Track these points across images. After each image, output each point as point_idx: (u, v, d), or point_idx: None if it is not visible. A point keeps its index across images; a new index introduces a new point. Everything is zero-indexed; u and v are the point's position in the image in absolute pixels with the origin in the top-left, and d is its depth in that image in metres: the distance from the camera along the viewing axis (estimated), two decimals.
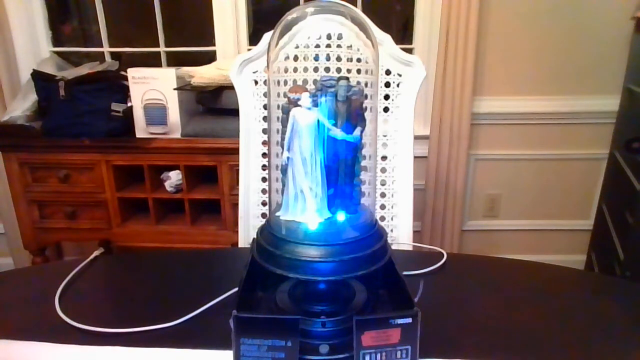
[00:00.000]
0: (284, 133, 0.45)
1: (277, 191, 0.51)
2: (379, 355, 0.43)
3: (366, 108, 0.48)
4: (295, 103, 0.44)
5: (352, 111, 0.44)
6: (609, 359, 0.53)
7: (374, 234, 0.47)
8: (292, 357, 0.43)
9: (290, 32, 0.50)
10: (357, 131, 0.45)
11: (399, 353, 0.43)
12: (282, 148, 0.46)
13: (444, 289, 0.68)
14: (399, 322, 0.43)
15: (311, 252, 0.44)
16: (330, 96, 0.43)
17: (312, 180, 0.44)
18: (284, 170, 0.46)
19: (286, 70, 0.80)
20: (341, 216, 0.47)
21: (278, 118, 0.49)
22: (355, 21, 0.51)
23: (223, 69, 1.55)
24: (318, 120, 0.43)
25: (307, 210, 0.46)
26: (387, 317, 0.43)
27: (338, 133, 0.43)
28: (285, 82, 0.52)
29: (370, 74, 0.54)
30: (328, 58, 0.89)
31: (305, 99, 0.43)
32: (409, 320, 0.43)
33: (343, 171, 0.46)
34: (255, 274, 0.51)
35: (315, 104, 0.43)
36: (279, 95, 0.51)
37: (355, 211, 0.48)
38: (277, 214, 0.48)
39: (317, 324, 0.48)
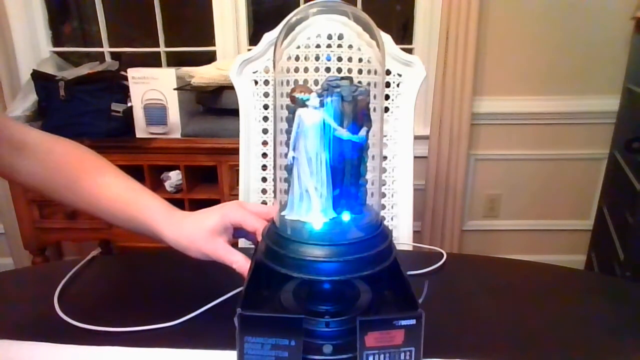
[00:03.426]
0: (289, 132, 0.45)
1: (281, 191, 0.51)
2: (382, 357, 0.43)
3: (371, 108, 0.48)
4: (300, 103, 0.44)
5: (358, 111, 0.44)
6: (608, 358, 0.53)
7: (379, 234, 0.47)
8: (295, 356, 0.43)
9: (294, 32, 0.50)
10: (362, 131, 0.45)
11: (402, 354, 0.43)
12: (288, 147, 0.46)
13: (444, 289, 0.68)
14: (402, 324, 0.42)
15: (316, 252, 0.44)
16: (336, 96, 0.43)
17: (317, 180, 0.44)
18: (290, 170, 0.46)
19: (288, 71, 0.80)
20: (346, 216, 0.47)
21: (282, 118, 0.49)
22: (359, 21, 0.51)
23: (223, 69, 1.55)
24: (324, 120, 0.43)
25: (312, 210, 0.46)
26: (390, 318, 0.43)
27: (344, 133, 0.43)
28: (288, 82, 0.52)
29: (373, 74, 0.54)
30: (329, 58, 0.89)
31: (313, 99, 0.43)
32: (413, 321, 0.43)
33: (349, 171, 0.45)
34: (260, 273, 0.51)
35: (321, 104, 0.43)
36: (282, 95, 0.51)
37: (361, 211, 0.48)
38: (282, 213, 0.48)
39: (321, 324, 0.47)
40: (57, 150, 0.63)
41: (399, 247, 0.56)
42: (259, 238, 0.53)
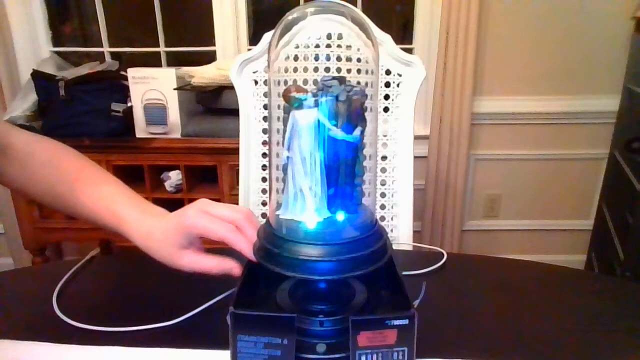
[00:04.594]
0: (285, 132, 0.45)
1: (277, 191, 0.51)
2: (375, 356, 0.43)
3: (366, 108, 0.48)
4: (294, 103, 0.44)
5: (352, 111, 0.44)
6: (608, 358, 0.53)
7: (374, 233, 0.47)
8: (288, 355, 0.43)
9: (291, 32, 0.50)
10: (357, 131, 0.45)
11: (395, 354, 0.43)
12: (283, 147, 0.46)
13: (444, 289, 0.67)
14: (395, 324, 0.42)
15: (310, 251, 0.44)
16: (331, 96, 0.43)
17: (311, 180, 0.44)
18: (285, 169, 0.46)
19: (286, 70, 0.80)
20: (341, 216, 0.47)
21: (278, 118, 0.49)
22: (356, 21, 0.51)
23: (223, 69, 1.55)
24: (318, 120, 0.43)
25: (307, 209, 0.46)
26: (383, 317, 0.43)
27: (338, 133, 0.43)
28: (286, 82, 0.52)
29: (370, 74, 0.54)
30: (328, 58, 0.89)
31: (308, 99, 0.43)
32: (406, 321, 0.43)
33: (343, 171, 0.45)
34: (255, 272, 0.51)
35: (315, 104, 0.43)
36: (278, 95, 0.51)
37: (355, 211, 0.48)
38: (277, 212, 0.48)
39: (315, 323, 0.47)
40: (38, 154, 0.62)
41: (398, 247, 0.56)
42: (228, 242, 0.50)
